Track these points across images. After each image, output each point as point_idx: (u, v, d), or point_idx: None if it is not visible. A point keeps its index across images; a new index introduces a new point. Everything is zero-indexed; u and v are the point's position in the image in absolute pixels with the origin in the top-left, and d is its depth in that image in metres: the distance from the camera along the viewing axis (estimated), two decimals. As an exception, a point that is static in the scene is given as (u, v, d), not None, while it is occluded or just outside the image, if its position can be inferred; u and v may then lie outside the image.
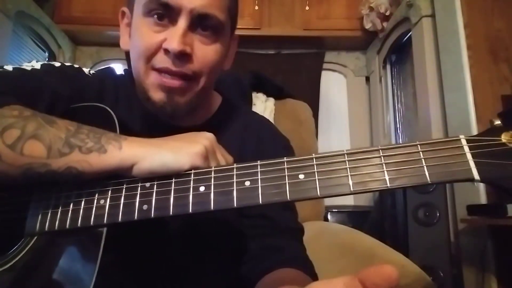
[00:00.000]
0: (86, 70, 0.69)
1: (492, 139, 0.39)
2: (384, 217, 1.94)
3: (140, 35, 0.59)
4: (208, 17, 0.58)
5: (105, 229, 0.46)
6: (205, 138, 0.50)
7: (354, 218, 2.18)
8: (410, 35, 2.09)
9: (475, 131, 1.47)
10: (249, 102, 1.37)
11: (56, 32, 2.43)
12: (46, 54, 2.48)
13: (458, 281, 1.55)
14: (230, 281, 0.65)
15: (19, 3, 2.08)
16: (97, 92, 0.66)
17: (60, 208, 0.48)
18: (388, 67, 2.55)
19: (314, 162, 0.42)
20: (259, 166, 0.44)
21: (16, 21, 2.07)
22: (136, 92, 0.67)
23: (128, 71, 0.72)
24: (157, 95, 0.60)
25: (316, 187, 0.41)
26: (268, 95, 1.49)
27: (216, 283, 0.64)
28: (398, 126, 2.46)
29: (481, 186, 1.47)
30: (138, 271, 0.59)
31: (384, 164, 0.40)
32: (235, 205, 0.42)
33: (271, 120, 1.31)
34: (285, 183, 0.42)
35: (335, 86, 2.76)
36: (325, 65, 2.74)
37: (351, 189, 0.40)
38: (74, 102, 0.60)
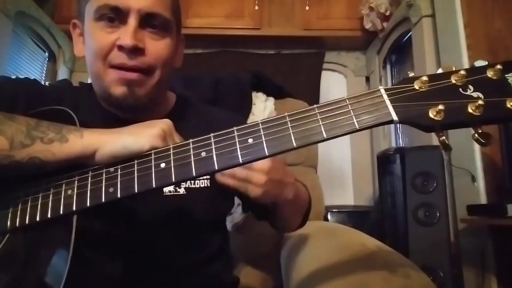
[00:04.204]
0: (42, 82, 0.74)
1: (406, 86, 0.45)
2: (384, 217, 1.94)
3: (94, 37, 0.64)
4: (155, 15, 0.65)
5: (75, 216, 0.48)
6: (163, 122, 0.54)
7: (354, 218, 2.18)
8: (410, 35, 2.09)
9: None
10: (249, 102, 1.37)
11: (56, 32, 2.43)
12: (46, 54, 2.48)
13: (458, 281, 1.55)
14: (208, 254, 0.71)
15: (19, 3, 2.08)
16: (55, 100, 0.69)
17: (29, 203, 0.50)
18: (388, 67, 2.55)
19: (261, 127, 0.47)
20: (212, 137, 0.48)
21: (16, 21, 2.07)
22: (95, 97, 0.71)
23: (83, 84, 0.78)
24: (118, 90, 0.64)
25: (264, 147, 0.46)
26: (268, 94, 1.48)
27: (195, 259, 0.69)
28: (398, 126, 2.46)
29: (481, 186, 1.47)
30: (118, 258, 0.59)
31: (320, 119, 0.46)
32: (194, 174, 0.47)
33: (271, 120, 1.31)
34: (236, 148, 0.47)
35: (335, 86, 2.76)
36: (325, 65, 2.74)
37: (294, 144, 0.45)
38: (32, 109, 0.61)
